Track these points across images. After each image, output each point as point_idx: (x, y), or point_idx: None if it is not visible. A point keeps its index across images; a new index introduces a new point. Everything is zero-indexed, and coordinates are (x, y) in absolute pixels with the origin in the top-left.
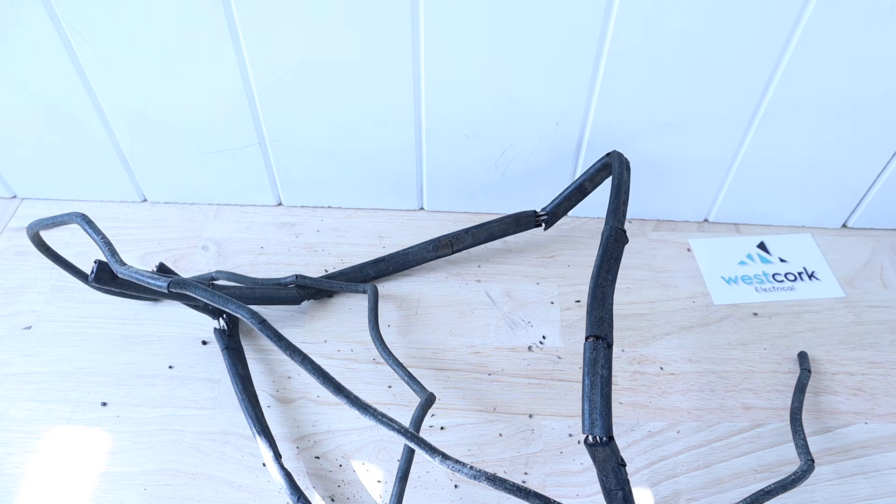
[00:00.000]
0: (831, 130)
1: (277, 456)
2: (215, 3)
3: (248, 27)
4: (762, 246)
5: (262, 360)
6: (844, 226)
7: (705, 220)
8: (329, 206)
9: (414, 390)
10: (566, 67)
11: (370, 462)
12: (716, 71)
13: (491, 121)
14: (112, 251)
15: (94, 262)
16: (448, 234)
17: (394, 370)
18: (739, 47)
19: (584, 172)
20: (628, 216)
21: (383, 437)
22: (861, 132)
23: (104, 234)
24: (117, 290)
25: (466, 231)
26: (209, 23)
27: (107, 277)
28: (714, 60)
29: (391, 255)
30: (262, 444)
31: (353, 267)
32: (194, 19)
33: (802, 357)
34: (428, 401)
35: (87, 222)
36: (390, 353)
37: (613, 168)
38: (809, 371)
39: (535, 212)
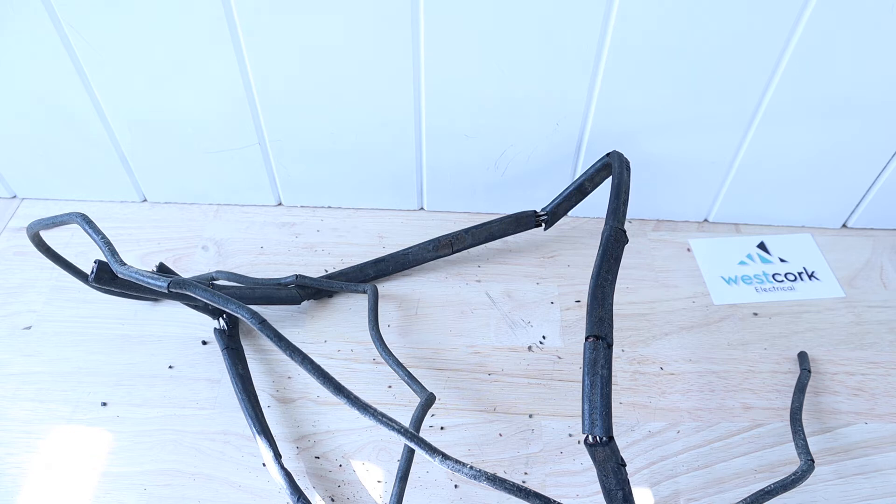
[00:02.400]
0: (831, 130)
1: (277, 456)
2: (215, 4)
3: (248, 28)
4: (762, 246)
5: (262, 360)
6: (844, 226)
7: (705, 220)
8: (329, 206)
9: (414, 390)
10: (566, 68)
11: (370, 462)
12: (716, 71)
13: (491, 121)
14: (112, 251)
15: (94, 262)
16: (448, 234)
17: (394, 370)
18: (739, 47)
19: (584, 172)
20: (628, 216)
21: (383, 437)
22: (861, 132)
23: (104, 234)
24: (117, 290)
25: (466, 231)
26: (209, 23)
27: (107, 277)
28: (714, 60)
29: (391, 255)
30: (262, 444)
31: (353, 267)
32: (194, 19)
33: (802, 357)
34: (428, 401)
35: (87, 222)
36: (390, 353)
37: (613, 168)
38: (809, 371)
39: (535, 212)
